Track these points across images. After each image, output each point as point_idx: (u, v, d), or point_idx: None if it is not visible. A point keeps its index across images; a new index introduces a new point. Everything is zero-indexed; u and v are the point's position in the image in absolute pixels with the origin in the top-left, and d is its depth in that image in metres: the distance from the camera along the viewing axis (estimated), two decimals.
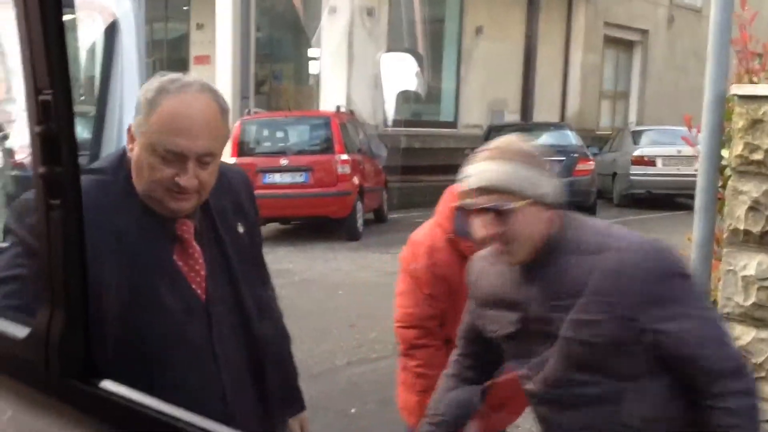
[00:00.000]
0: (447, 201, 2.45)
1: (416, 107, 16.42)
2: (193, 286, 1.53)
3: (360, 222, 10.52)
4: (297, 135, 10.98)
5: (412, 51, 13.56)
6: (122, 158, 1.51)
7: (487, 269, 1.84)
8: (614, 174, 14.46)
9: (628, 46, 21.21)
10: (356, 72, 14.35)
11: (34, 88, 0.94)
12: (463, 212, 1.72)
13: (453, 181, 1.79)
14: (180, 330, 1.50)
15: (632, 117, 21.03)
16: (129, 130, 1.47)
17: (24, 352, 1.01)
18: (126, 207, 1.46)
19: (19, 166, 10.62)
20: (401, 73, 12.88)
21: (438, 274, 2.36)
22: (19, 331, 1.02)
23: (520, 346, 1.76)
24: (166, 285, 1.49)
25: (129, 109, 4.57)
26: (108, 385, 0.93)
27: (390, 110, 13.38)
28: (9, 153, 11.22)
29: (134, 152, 1.47)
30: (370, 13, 14.61)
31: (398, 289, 2.45)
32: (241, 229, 1.62)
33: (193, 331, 1.52)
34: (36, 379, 1.00)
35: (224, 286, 1.57)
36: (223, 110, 1.49)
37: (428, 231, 2.44)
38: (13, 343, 1.03)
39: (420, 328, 2.39)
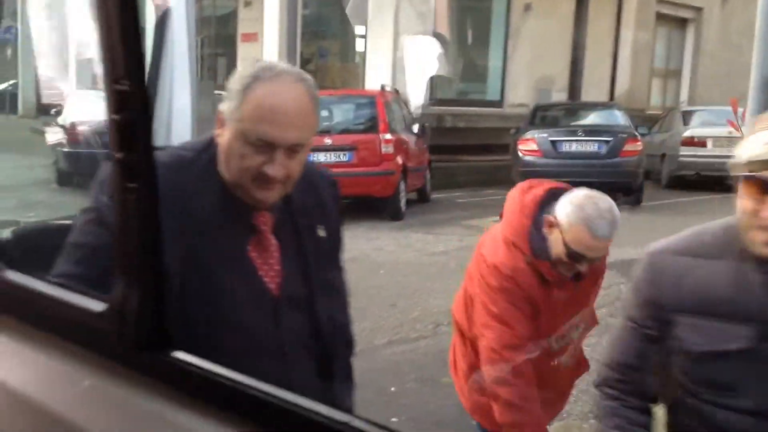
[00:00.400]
0: (517, 213, 2.33)
1: (462, 86, 16.29)
2: (266, 280, 1.50)
3: (403, 202, 10.52)
4: (341, 114, 10.99)
5: (436, 33, 13.33)
6: (210, 141, 1.50)
7: (690, 266, 1.56)
8: (663, 155, 14.20)
9: (680, 23, 20.70)
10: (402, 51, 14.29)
11: (111, 78, 0.98)
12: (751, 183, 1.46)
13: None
14: (247, 323, 1.47)
15: (684, 96, 20.58)
16: (219, 115, 1.46)
17: (100, 325, 1.08)
18: (206, 189, 1.45)
19: (74, 142, 10.81)
20: (423, 56, 12.68)
21: (524, 298, 2.29)
22: (96, 306, 1.08)
23: (755, 366, 1.51)
24: (236, 273, 1.47)
25: (178, 92, 4.63)
26: (181, 355, 0.98)
27: (429, 90, 13.22)
28: (64, 129, 11.42)
29: (224, 138, 1.45)
30: None
31: (492, 311, 2.31)
32: (322, 232, 1.58)
33: (261, 326, 1.49)
34: (111, 351, 1.06)
35: (298, 284, 1.53)
36: (315, 100, 1.48)
37: (505, 252, 2.31)
38: (91, 316, 1.09)
39: (523, 349, 2.28)
